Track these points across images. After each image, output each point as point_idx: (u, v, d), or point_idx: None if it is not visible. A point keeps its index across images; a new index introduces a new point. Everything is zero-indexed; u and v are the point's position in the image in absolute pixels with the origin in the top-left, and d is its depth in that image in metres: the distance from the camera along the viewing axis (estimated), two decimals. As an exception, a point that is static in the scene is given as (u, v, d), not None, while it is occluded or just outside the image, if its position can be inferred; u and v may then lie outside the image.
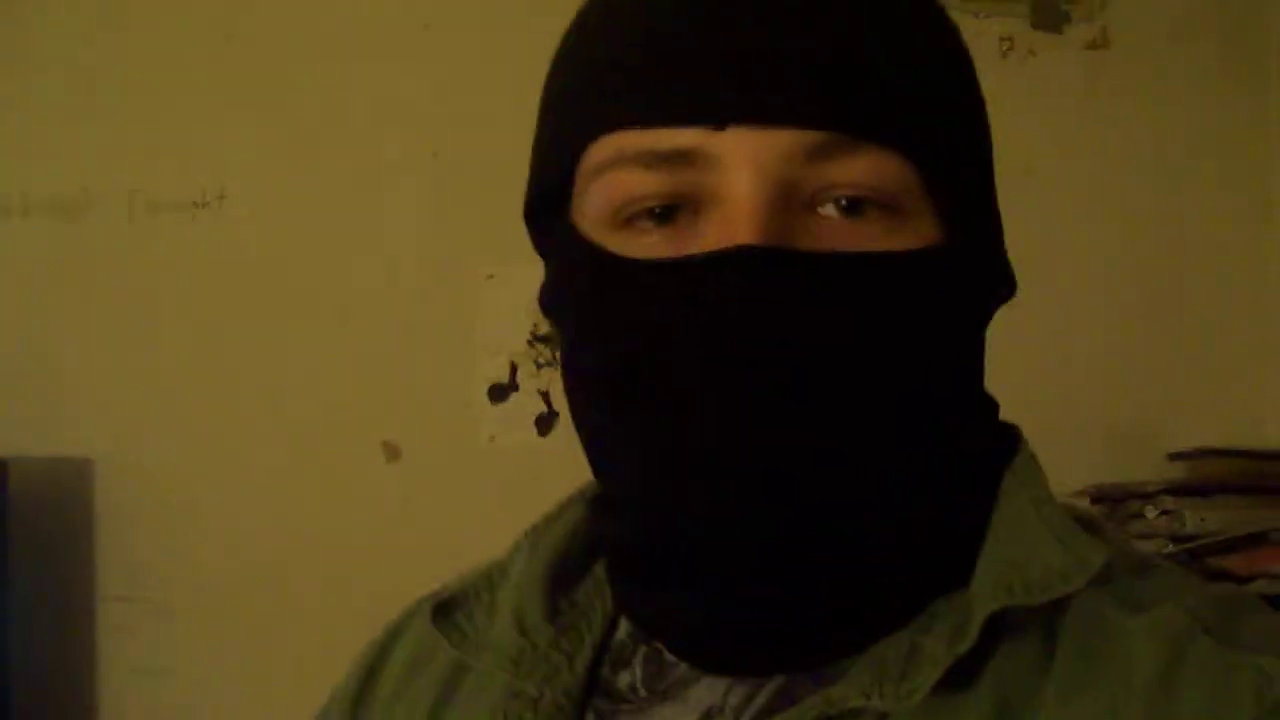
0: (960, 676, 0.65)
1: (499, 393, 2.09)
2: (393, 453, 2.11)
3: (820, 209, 0.66)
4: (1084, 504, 2.05)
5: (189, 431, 2.09)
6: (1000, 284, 0.75)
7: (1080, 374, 2.26)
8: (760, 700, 0.69)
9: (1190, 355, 2.28)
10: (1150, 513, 1.98)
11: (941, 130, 0.68)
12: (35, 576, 1.99)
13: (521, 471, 1.82)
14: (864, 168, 0.65)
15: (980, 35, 2.26)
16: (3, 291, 2.06)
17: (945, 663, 0.65)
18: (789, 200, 0.65)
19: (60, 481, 2.04)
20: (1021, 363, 2.21)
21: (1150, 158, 2.31)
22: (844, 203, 0.65)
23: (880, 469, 0.67)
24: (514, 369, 2.04)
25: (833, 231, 0.66)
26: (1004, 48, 2.29)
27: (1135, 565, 0.70)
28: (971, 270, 0.70)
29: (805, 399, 0.65)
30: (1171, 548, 1.92)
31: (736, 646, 0.70)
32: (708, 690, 0.71)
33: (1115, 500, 2.05)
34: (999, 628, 0.66)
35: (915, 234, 0.67)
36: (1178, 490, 1.97)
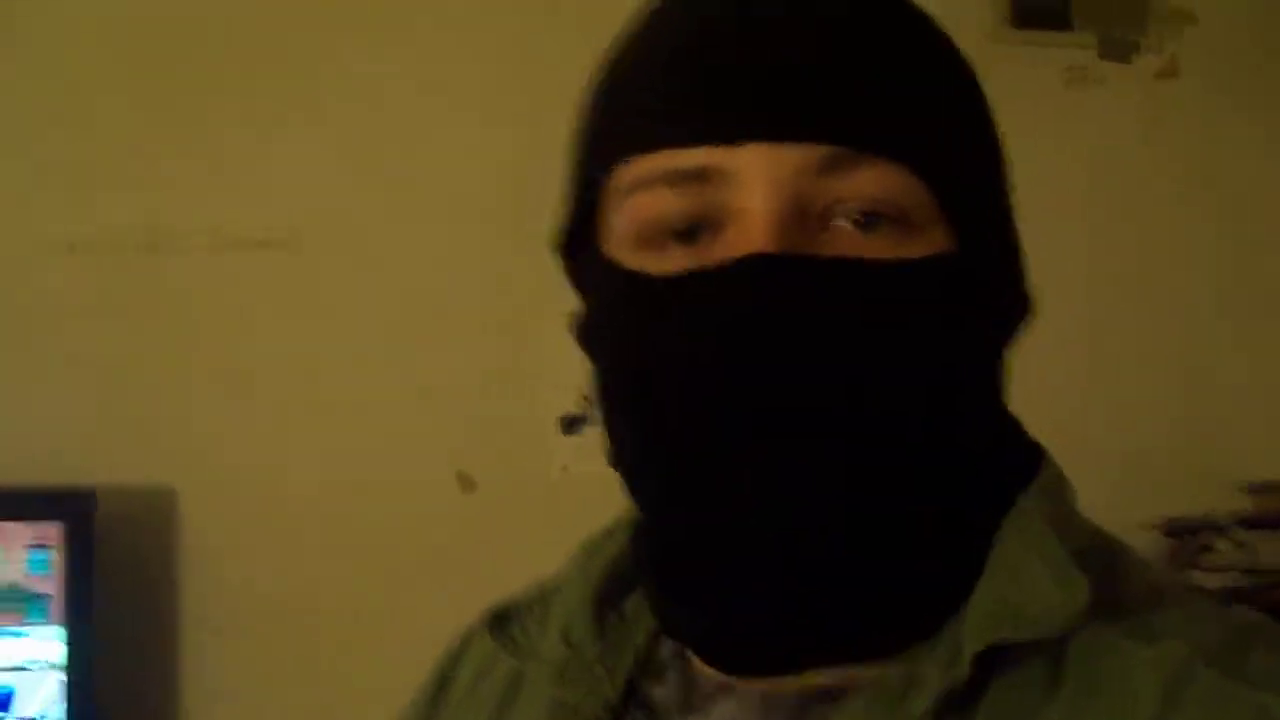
0: (959, 704, 0.66)
1: (571, 424, 2.10)
2: (467, 484, 2.13)
3: (833, 224, 0.68)
4: (1153, 536, 2.04)
5: (268, 462, 2.11)
6: (1018, 303, 0.76)
7: (1156, 405, 2.24)
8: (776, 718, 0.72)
9: (1267, 386, 2.26)
10: (1223, 545, 1.97)
11: (950, 145, 0.70)
12: (121, 603, 2.01)
13: (594, 502, 1.81)
14: (873, 180, 0.67)
15: (1047, 65, 2.26)
16: (88, 325, 2.09)
17: (938, 690, 0.66)
18: (802, 214, 0.67)
19: (145, 510, 2.07)
20: (1097, 393, 2.22)
21: (1220, 188, 2.29)
22: (856, 218, 0.68)
23: (897, 472, 0.68)
24: (586, 400, 2.05)
25: (846, 243, 0.68)
26: (1071, 78, 2.27)
27: (1152, 596, 0.71)
28: (985, 283, 0.72)
29: (822, 404, 0.66)
30: (1244, 580, 1.91)
31: (755, 648, 0.71)
32: (731, 706, 0.73)
33: (1188, 532, 2.03)
34: (1000, 657, 0.67)
35: (928, 245, 0.69)
36: (1251, 522, 1.95)
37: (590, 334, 0.75)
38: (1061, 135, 2.25)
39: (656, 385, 0.69)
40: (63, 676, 1.91)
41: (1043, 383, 2.14)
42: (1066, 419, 2.21)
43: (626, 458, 0.74)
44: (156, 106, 2.10)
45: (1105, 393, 2.23)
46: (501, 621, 0.83)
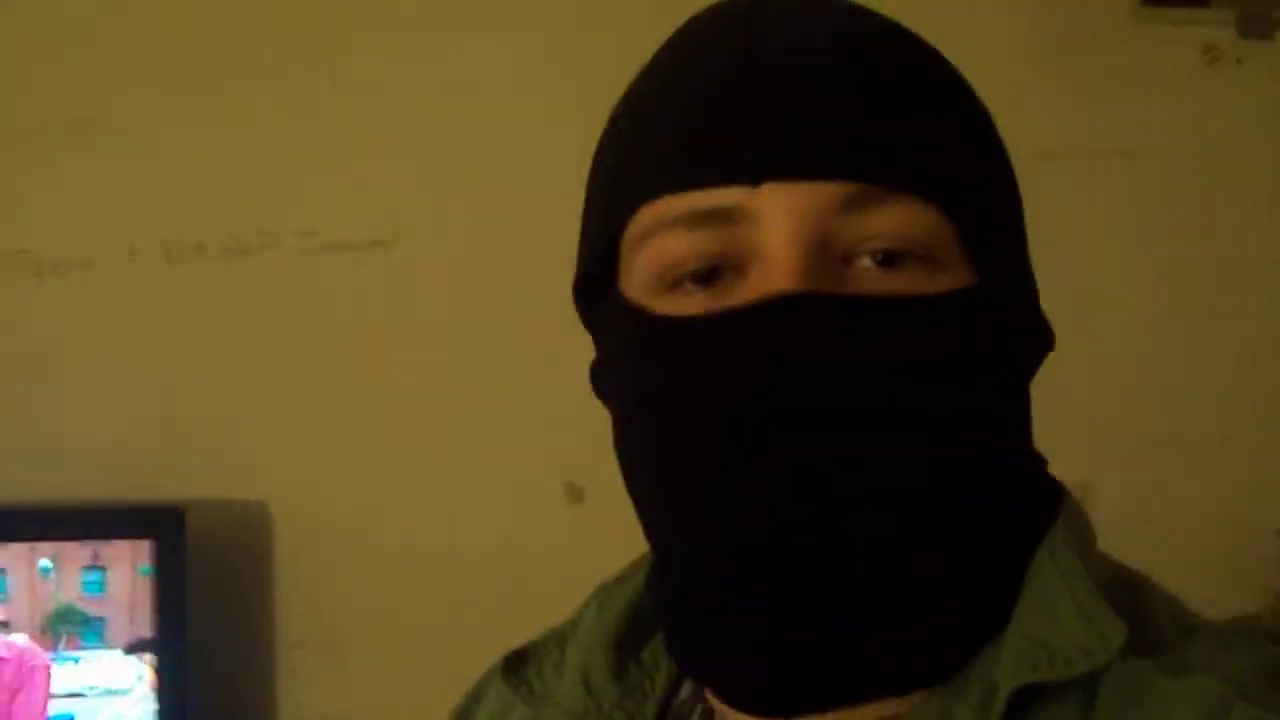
0: None
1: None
2: (575, 494, 2.06)
3: (857, 262, 0.68)
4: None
5: (365, 473, 2.05)
6: (1038, 337, 0.77)
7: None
8: None
9: None
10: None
11: (970, 179, 0.71)
12: (214, 622, 1.97)
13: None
14: (897, 218, 0.67)
15: (1183, 45, 2.17)
16: (176, 334, 2.04)
17: None
18: (825, 253, 0.67)
19: (237, 525, 2.02)
20: (1231, 387, 2.13)
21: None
22: (879, 256, 0.68)
23: (924, 506, 0.68)
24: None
25: (869, 281, 0.68)
26: (1208, 58, 2.18)
27: (1180, 629, 0.71)
28: (1007, 316, 0.72)
29: (849, 443, 0.67)
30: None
31: (780, 688, 0.71)
32: None
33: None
34: (1034, 695, 0.67)
35: (951, 280, 0.69)
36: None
37: (609, 377, 0.78)
38: (1200, 116, 2.17)
39: (681, 427, 0.69)
40: (119, 704, 1.87)
41: (1180, 376, 2.12)
42: (1201, 415, 2.21)
43: (646, 501, 0.74)
44: (245, 107, 2.06)
45: (1239, 387, 2.15)
46: (517, 665, 0.84)
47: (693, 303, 0.69)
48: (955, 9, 1.97)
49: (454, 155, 2.08)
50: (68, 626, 1.87)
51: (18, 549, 1.87)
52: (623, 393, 0.76)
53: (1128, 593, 0.72)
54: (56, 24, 2.03)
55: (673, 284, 0.70)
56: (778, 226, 0.67)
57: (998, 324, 0.71)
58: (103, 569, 1.87)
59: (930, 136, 0.70)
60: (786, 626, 0.69)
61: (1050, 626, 0.68)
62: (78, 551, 1.88)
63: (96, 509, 1.94)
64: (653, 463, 0.73)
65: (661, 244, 0.70)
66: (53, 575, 1.88)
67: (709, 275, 0.69)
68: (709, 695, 0.77)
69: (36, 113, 2.03)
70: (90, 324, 2.03)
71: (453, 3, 2.09)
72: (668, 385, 0.70)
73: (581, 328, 2.09)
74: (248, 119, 2.05)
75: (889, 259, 0.68)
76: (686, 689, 0.79)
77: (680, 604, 0.75)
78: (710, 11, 0.76)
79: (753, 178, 0.67)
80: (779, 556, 0.68)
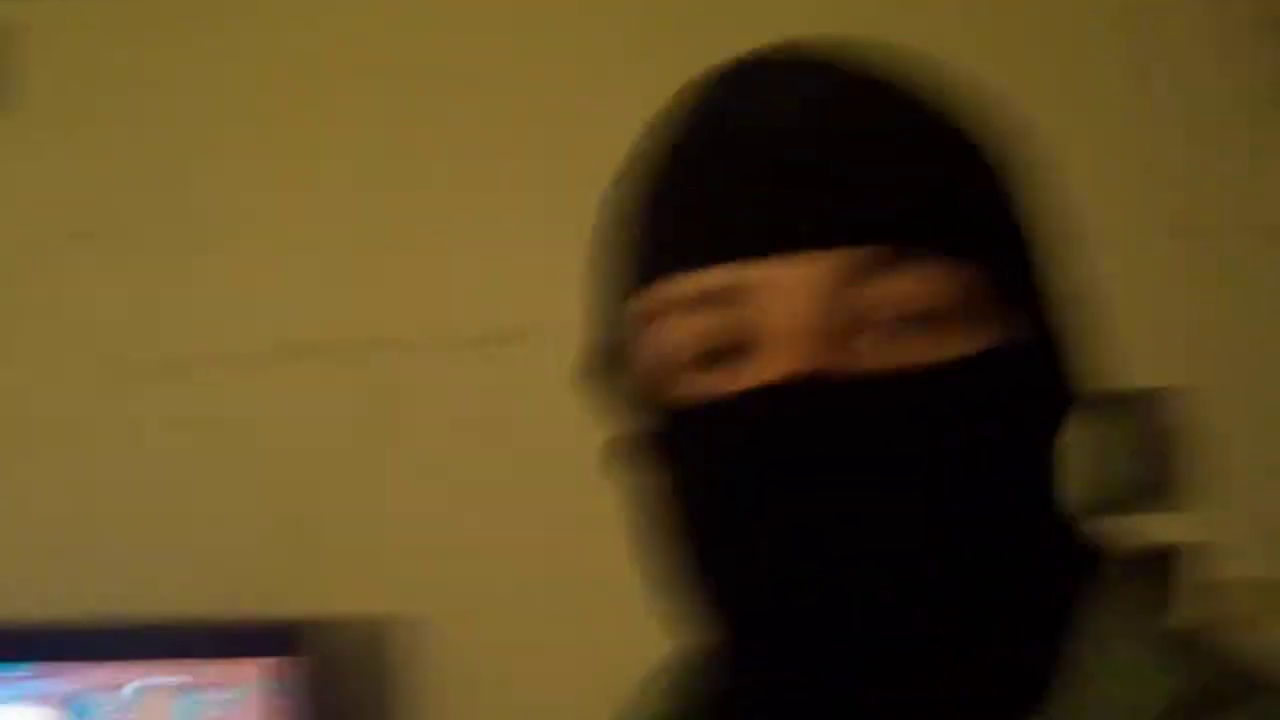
0: None
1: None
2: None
3: (867, 331, 0.68)
4: None
5: (500, 584, 1.95)
6: (1065, 395, 0.74)
7: None
8: None
9: None
10: None
11: (986, 236, 0.70)
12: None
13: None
14: (908, 283, 0.67)
15: None
16: (294, 433, 1.98)
17: None
18: (831, 326, 0.67)
19: (357, 644, 1.92)
20: None
21: None
22: (891, 324, 0.67)
23: (929, 572, 0.68)
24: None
25: (881, 352, 0.68)
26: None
27: (1238, 684, 0.70)
28: (1032, 373, 0.71)
29: (867, 525, 0.67)
30: None
31: None
32: None
33: None
34: None
35: (967, 342, 0.68)
36: None
37: (624, 456, 0.79)
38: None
39: (701, 519, 0.71)
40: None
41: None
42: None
43: (675, 586, 0.75)
44: (366, 201, 2.01)
45: None
46: None
47: (700, 384, 0.70)
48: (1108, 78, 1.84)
49: (586, 247, 1.96)
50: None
51: (103, 672, 1.81)
52: (640, 475, 0.77)
53: (1179, 650, 0.71)
54: (167, 117, 2.02)
55: (678, 367, 0.71)
56: (781, 306, 0.67)
57: (1014, 386, 0.70)
58: (198, 692, 1.80)
59: (940, 195, 0.70)
60: (788, 684, 0.71)
61: (1097, 688, 0.68)
62: (170, 674, 1.81)
63: (205, 627, 1.86)
64: (672, 553, 0.75)
65: (665, 328, 0.71)
66: (142, 700, 1.81)
67: (715, 356, 0.70)
68: None
69: (146, 210, 2.02)
70: (202, 428, 1.99)
71: (584, 99, 2.01)
72: (677, 476, 0.72)
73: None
74: (370, 212, 2.01)
75: (900, 326, 0.68)
76: None
77: (713, 693, 0.79)
78: (701, 83, 0.76)
79: (751, 253, 0.67)
80: (778, 616, 0.69)
